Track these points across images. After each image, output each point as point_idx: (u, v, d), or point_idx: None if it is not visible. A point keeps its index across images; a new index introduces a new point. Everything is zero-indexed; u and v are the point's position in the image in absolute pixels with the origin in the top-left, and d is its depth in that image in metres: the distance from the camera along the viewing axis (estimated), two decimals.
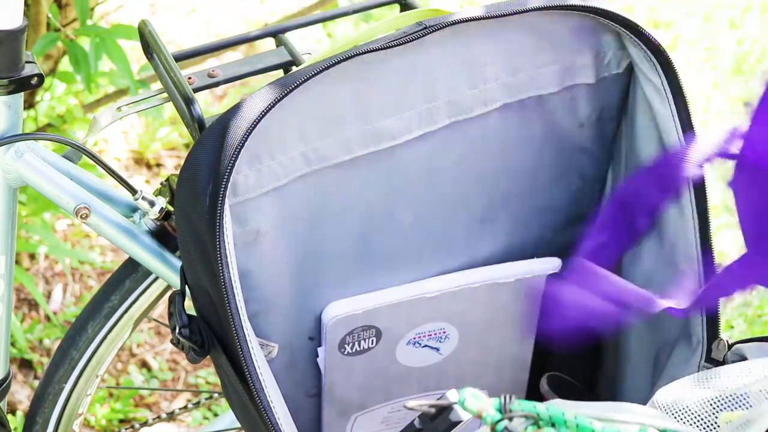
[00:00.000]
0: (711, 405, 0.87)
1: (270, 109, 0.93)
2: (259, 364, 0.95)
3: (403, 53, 1.00)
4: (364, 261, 1.10)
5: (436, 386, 1.20)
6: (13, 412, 1.72)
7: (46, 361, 1.81)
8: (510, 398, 0.75)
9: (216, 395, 1.59)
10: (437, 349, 1.18)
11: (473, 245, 1.15)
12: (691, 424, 0.86)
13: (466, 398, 0.75)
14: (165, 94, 1.10)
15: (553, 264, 1.17)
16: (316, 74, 0.94)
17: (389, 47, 0.97)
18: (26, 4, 1.53)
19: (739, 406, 0.86)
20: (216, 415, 1.79)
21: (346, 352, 1.12)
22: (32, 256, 1.94)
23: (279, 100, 0.93)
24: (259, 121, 0.93)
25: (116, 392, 1.79)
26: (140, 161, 2.19)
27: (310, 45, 1.64)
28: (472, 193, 1.11)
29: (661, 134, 1.06)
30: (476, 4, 1.69)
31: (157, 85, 1.42)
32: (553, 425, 0.74)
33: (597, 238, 1.07)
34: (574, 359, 1.24)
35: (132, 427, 1.54)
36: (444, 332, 1.17)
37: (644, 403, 0.90)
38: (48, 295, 1.91)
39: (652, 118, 1.07)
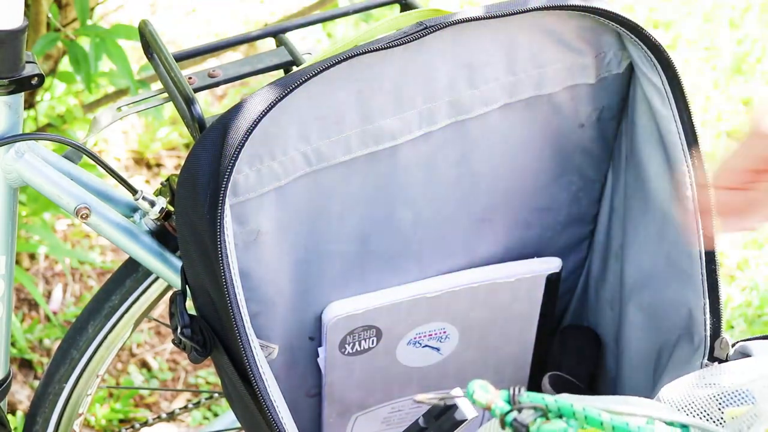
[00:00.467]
0: (716, 400, 0.87)
1: (270, 109, 0.93)
2: (261, 363, 0.95)
3: (403, 53, 1.00)
4: (365, 261, 1.10)
5: (437, 386, 1.20)
6: (13, 412, 1.72)
7: (46, 361, 1.81)
8: (519, 390, 0.75)
9: (216, 395, 1.59)
10: (437, 349, 1.18)
11: (473, 245, 1.15)
12: (698, 419, 0.86)
13: (474, 390, 0.75)
14: (165, 94, 1.10)
15: (553, 264, 1.17)
16: (316, 74, 0.94)
17: (389, 47, 0.97)
18: (26, 4, 1.53)
19: (744, 402, 0.86)
20: (216, 415, 1.79)
21: (346, 352, 1.12)
22: (32, 256, 1.94)
23: (279, 100, 0.93)
24: (260, 121, 0.93)
25: (116, 392, 1.79)
26: (140, 161, 2.19)
27: (310, 45, 1.65)
28: (472, 193, 1.11)
29: (661, 134, 1.06)
30: (476, 4, 1.69)
31: (157, 85, 1.42)
32: (561, 417, 0.75)
33: None
34: (575, 358, 1.24)
35: (132, 427, 1.54)
36: (444, 332, 1.17)
37: None
38: (48, 295, 1.91)
39: (652, 118, 1.07)
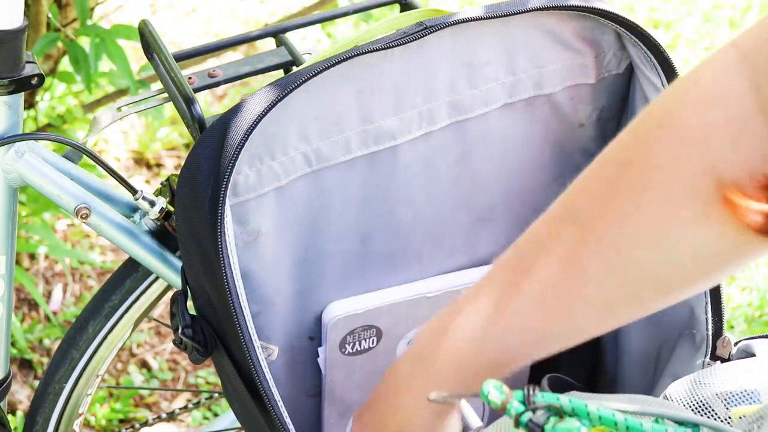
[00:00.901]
0: (722, 400, 0.87)
1: (270, 109, 0.93)
2: (263, 364, 0.95)
3: (403, 53, 1.00)
4: (365, 261, 1.10)
5: None
6: (13, 412, 1.72)
7: (46, 361, 1.81)
8: (534, 390, 0.75)
9: (216, 395, 1.59)
10: None
11: (473, 245, 1.15)
12: (707, 418, 0.86)
13: (489, 390, 0.75)
14: (165, 94, 1.10)
15: None
16: (316, 74, 0.94)
17: (389, 47, 0.97)
18: (26, 4, 1.53)
19: (751, 402, 0.86)
20: (216, 415, 1.80)
21: (346, 352, 1.12)
22: (32, 256, 1.94)
23: (279, 100, 0.93)
24: (260, 121, 0.93)
25: (116, 392, 1.79)
26: (140, 161, 2.19)
27: (310, 45, 1.65)
28: (472, 192, 1.11)
29: None
30: (476, 4, 1.69)
31: (157, 85, 1.42)
32: (574, 416, 0.75)
33: None
34: (574, 358, 1.24)
35: (132, 427, 1.54)
36: None
37: None
38: (48, 295, 1.91)
39: None
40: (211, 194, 0.93)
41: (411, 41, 0.98)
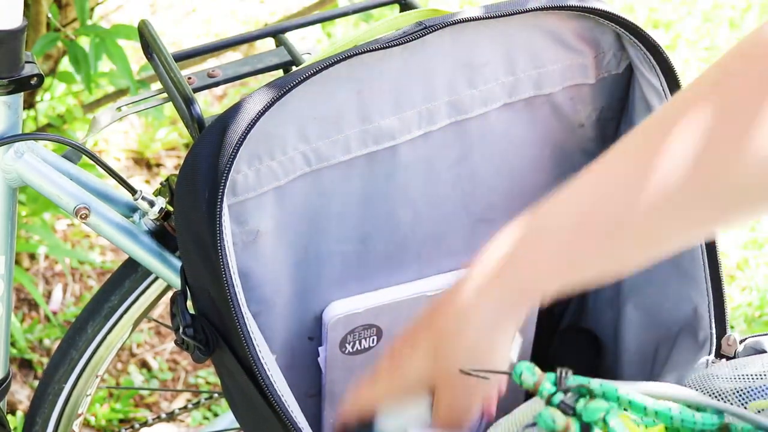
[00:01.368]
0: (738, 395, 0.87)
1: (269, 108, 0.93)
2: (266, 360, 0.95)
3: (402, 53, 1.00)
4: (365, 260, 1.10)
5: None
6: (13, 412, 1.72)
7: (46, 361, 1.81)
8: (566, 373, 0.76)
9: (216, 395, 1.59)
10: None
11: (473, 245, 1.15)
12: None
13: (522, 371, 0.76)
14: (165, 94, 1.10)
15: None
16: (315, 74, 0.94)
17: (389, 47, 0.97)
18: (26, 4, 1.53)
19: (767, 396, 0.86)
20: (216, 415, 1.80)
21: (347, 352, 1.12)
22: (32, 256, 1.94)
23: (278, 100, 0.93)
24: (258, 120, 0.93)
25: (116, 392, 1.79)
26: (140, 161, 2.19)
27: (310, 45, 1.65)
28: (472, 192, 1.11)
29: None
30: (476, 4, 1.69)
31: (157, 85, 1.42)
32: (605, 399, 0.76)
33: None
34: (574, 359, 1.24)
35: (132, 427, 1.54)
36: None
37: None
38: (48, 295, 1.91)
39: None
40: (209, 194, 0.92)
41: (410, 41, 0.98)
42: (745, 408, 0.86)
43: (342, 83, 0.99)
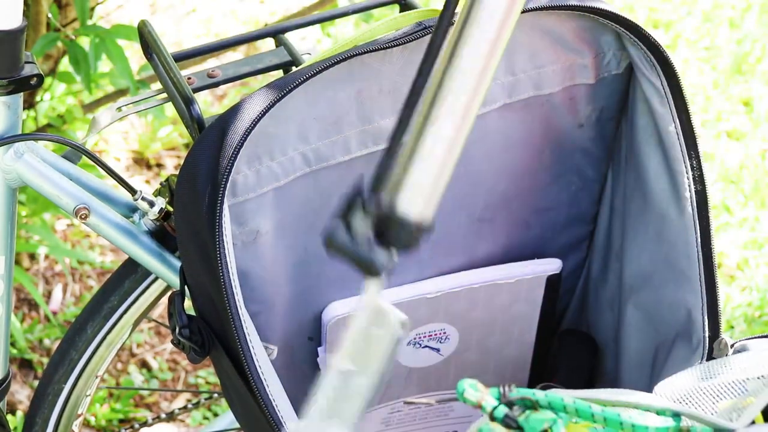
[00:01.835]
0: (710, 395, 0.87)
1: (269, 109, 0.93)
2: (260, 362, 0.95)
3: (402, 53, 1.00)
4: None
5: (437, 387, 1.20)
6: (13, 412, 1.72)
7: (46, 361, 1.81)
8: (509, 387, 0.76)
9: (216, 395, 1.59)
10: (437, 350, 1.18)
11: (473, 245, 1.15)
12: (690, 408, 0.86)
13: (465, 389, 0.75)
14: (164, 95, 1.10)
15: (553, 265, 1.17)
16: (315, 74, 0.94)
17: (389, 47, 0.97)
18: (26, 4, 1.53)
19: (738, 395, 0.86)
20: (216, 415, 1.79)
21: None
22: (32, 257, 1.94)
23: (278, 100, 0.93)
24: (258, 121, 0.93)
25: (116, 392, 1.79)
26: (140, 161, 2.19)
27: (310, 45, 1.64)
28: (472, 193, 1.11)
29: (660, 134, 1.06)
30: None
31: (157, 85, 1.42)
32: (551, 410, 0.75)
33: None
34: (573, 362, 1.24)
35: (132, 427, 1.54)
36: (444, 333, 1.17)
37: None
38: (48, 295, 1.91)
39: (651, 118, 1.07)
40: (209, 194, 0.92)
41: (410, 41, 0.98)
42: (715, 408, 0.86)
43: (342, 84, 0.99)
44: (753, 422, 0.80)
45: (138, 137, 2.21)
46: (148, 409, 1.79)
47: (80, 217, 1.07)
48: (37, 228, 1.73)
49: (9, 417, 1.69)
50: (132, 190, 1.09)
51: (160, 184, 1.11)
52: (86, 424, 1.73)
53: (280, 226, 1.03)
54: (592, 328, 1.25)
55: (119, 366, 1.85)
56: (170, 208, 1.10)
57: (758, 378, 0.86)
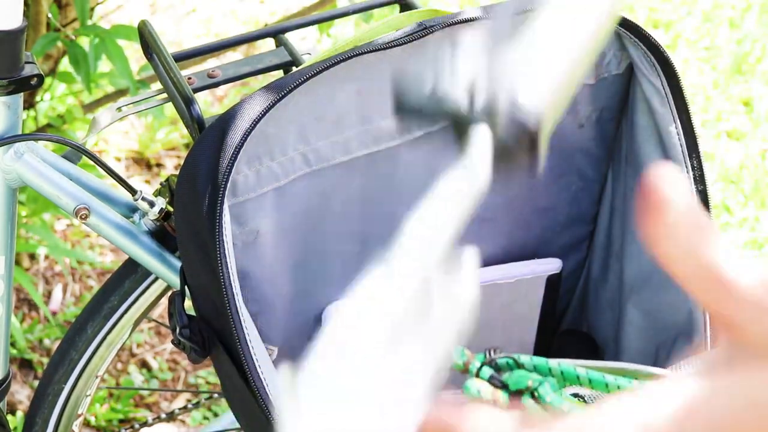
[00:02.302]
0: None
1: (269, 109, 0.93)
2: (260, 362, 0.95)
3: (402, 53, 1.00)
4: (364, 261, 1.10)
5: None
6: (13, 412, 1.72)
7: (46, 361, 1.81)
8: (495, 351, 0.76)
9: (216, 395, 1.59)
10: None
11: (473, 245, 1.15)
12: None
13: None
14: (164, 95, 1.10)
15: (553, 265, 1.17)
16: (315, 74, 0.94)
17: (389, 47, 0.97)
18: (26, 4, 1.53)
19: None
20: (216, 415, 1.79)
21: None
22: (32, 257, 1.94)
23: (278, 101, 0.93)
24: (259, 121, 0.93)
25: (116, 392, 1.79)
26: (140, 161, 2.19)
27: (310, 45, 1.64)
28: None
29: (661, 135, 1.06)
30: (476, 5, 1.69)
31: (157, 85, 1.42)
32: (537, 372, 0.75)
33: None
34: (576, 357, 1.24)
35: (132, 427, 1.54)
36: None
37: None
38: (48, 296, 1.91)
39: (651, 119, 1.07)
40: (209, 194, 0.92)
41: (410, 41, 0.98)
42: None
43: (342, 84, 0.99)
44: None
45: (138, 137, 2.21)
46: (148, 409, 1.79)
47: (80, 217, 1.07)
48: (37, 228, 1.73)
49: (9, 417, 1.69)
50: (132, 190, 1.09)
51: (160, 184, 1.11)
52: (86, 424, 1.73)
53: (280, 226, 1.03)
54: (592, 328, 1.26)
55: (119, 366, 1.85)
56: (170, 208, 1.10)
57: None
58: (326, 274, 1.09)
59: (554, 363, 0.76)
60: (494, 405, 0.69)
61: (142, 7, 2.53)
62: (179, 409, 1.53)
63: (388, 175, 1.06)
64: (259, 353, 0.96)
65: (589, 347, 1.24)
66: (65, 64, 1.81)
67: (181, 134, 2.22)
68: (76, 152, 1.10)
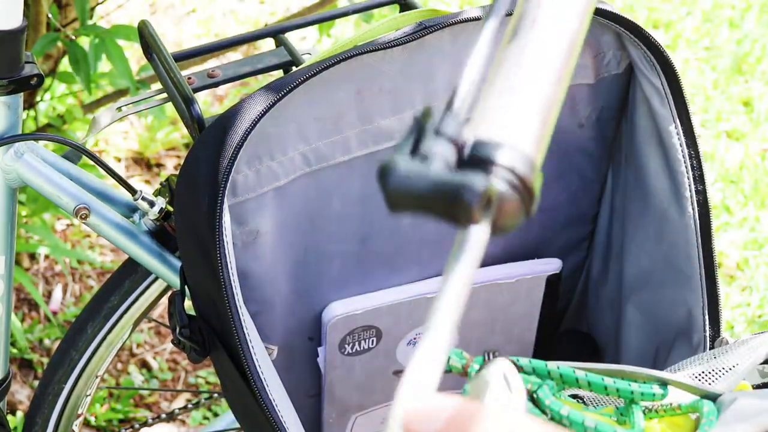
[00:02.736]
0: (698, 378, 0.88)
1: (269, 109, 0.93)
2: (260, 362, 0.95)
3: (402, 53, 1.00)
4: (364, 261, 1.10)
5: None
6: (13, 412, 1.72)
7: (46, 361, 1.81)
8: (493, 354, 0.76)
9: (216, 395, 1.59)
10: None
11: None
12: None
13: (450, 357, 0.76)
14: (164, 95, 1.10)
15: (553, 265, 1.17)
16: (315, 74, 0.94)
17: (389, 47, 0.97)
18: (26, 4, 1.53)
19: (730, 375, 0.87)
20: (216, 415, 1.79)
21: (346, 352, 1.12)
22: (32, 257, 1.94)
23: (278, 101, 0.93)
24: (258, 121, 0.93)
25: (116, 392, 1.79)
26: (140, 161, 2.19)
27: (310, 45, 1.64)
28: None
29: (660, 135, 1.07)
30: (476, 4, 1.69)
31: (157, 85, 1.42)
32: (536, 375, 0.75)
33: None
34: (574, 360, 1.24)
35: (132, 427, 1.54)
36: None
37: None
38: (48, 295, 1.91)
39: (651, 119, 1.07)
40: (209, 194, 0.93)
41: (410, 41, 0.98)
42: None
43: (342, 84, 0.99)
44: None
45: (138, 137, 2.21)
46: (148, 409, 1.80)
47: (80, 217, 1.07)
48: (37, 228, 1.73)
49: (9, 417, 1.69)
50: (132, 190, 1.09)
51: (160, 184, 1.11)
52: (86, 424, 1.73)
53: (280, 225, 1.03)
54: (592, 328, 1.26)
55: (119, 366, 1.85)
56: (170, 208, 1.10)
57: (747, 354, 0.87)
58: (326, 273, 1.09)
59: (553, 366, 0.76)
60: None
61: (142, 7, 2.53)
62: (179, 409, 1.53)
63: None
64: (259, 353, 0.96)
65: (589, 347, 1.24)
66: (65, 64, 1.81)
67: (181, 134, 2.22)
68: (76, 152, 1.10)
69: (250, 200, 1.00)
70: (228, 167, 0.92)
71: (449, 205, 0.45)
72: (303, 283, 1.08)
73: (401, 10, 1.15)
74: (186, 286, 1.04)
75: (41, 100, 1.83)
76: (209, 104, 2.32)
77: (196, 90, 1.07)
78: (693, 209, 1.06)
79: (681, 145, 1.05)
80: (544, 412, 0.75)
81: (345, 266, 1.09)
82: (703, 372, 0.88)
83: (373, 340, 1.12)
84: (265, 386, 0.95)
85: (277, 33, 1.14)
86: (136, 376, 1.83)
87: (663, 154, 1.07)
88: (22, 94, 1.04)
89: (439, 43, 1.01)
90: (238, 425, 1.34)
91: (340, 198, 1.05)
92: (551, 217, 1.18)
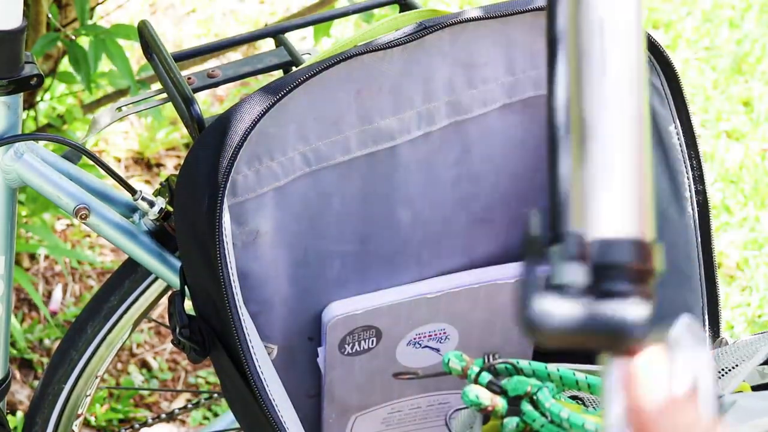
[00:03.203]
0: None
1: (269, 109, 0.93)
2: (260, 362, 0.95)
3: (402, 53, 1.00)
4: (364, 261, 1.10)
5: (436, 387, 1.20)
6: (13, 412, 1.72)
7: (46, 361, 1.81)
8: (494, 356, 0.76)
9: (216, 395, 1.59)
10: (437, 350, 1.18)
11: (473, 245, 1.15)
12: None
13: (450, 359, 0.76)
14: (164, 95, 1.10)
15: None
16: (315, 74, 0.94)
17: (389, 47, 0.97)
18: (26, 4, 1.53)
19: (721, 376, 0.87)
20: (216, 415, 1.79)
21: (346, 352, 1.12)
22: (32, 257, 1.94)
23: (278, 101, 0.93)
24: (258, 121, 0.93)
25: (116, 392, 1.79)
26: (140, 161, 2.19)
27: (310, 45, 1.64)
28: (472, 193, 1.11)
29: (660, 135, 1.07)
30: (476, 4, 1.69)
31: (157, 85, 1.42)
32: (535, 377, 0.75)
33: None
34: (574, 360, 1.24)
35: (132, 427, 1.54)
36: (444, 333, 1.16)
37: None
38: (48, 296, 1.91)
39: (651, 119, 1.07)
40: (209, 194, 0.93)
41: (410, 41, 0.98)
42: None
43: (341, 84, 0.99)
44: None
45: (138, 137, 2.21)
46: (148, 409, 1.80)
47: (80, 217, 1.07)
48: (37, 228, 1.73)
49: (9, 417, 1.69)
50: (132, 190, 1.09)
51: (160, 184, 1.11)
52: (86, 424, 1.73)
53: (280, 226, 1.03)
54: None
55: (119, 366, 1.85)
56: (170, 208, 1.10)
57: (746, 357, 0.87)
58: (326, 274, 1.09)
59: (553, 368, 0.76)
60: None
61: (142, 7, 2.53)
62: (179, 409, 1.53)
63: (387, 175, 1.06)
64: (259, 353, 0.96)
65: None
66: (65, 64, 1.81)
67: (181, 134, 2.22)
68: (76, 152, 1.10)
69: (249, 200, 1.00)
70: (228, 167, 0.92)
71: (612, 340, 0.47)
72: (303, 283, 1.08)
73: (401, 10, 1.15)
74: (186, 286, 1.04)
75: (41, 100, 1.83)
76: (209, 104, 2.32)
77: (196, 90, 1.07)
78: (693, 209, 1.06)
79: (681, 146, 1.05)
80: (543, 414, 0.74)
81: (345, 266, 1.09)
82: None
83: (373, 341, 1.12)
84: (265, 386, 0.95)
85: (277, 33, 1.14)
86: (136, 376, 1.83)
87: (663, 154, 1.07)
88: (21, 94, 1.04)
89: (439, 44, 1.01)
90: (238, 425, 1.34)
91: (340, 198, 1.05)
92: None
